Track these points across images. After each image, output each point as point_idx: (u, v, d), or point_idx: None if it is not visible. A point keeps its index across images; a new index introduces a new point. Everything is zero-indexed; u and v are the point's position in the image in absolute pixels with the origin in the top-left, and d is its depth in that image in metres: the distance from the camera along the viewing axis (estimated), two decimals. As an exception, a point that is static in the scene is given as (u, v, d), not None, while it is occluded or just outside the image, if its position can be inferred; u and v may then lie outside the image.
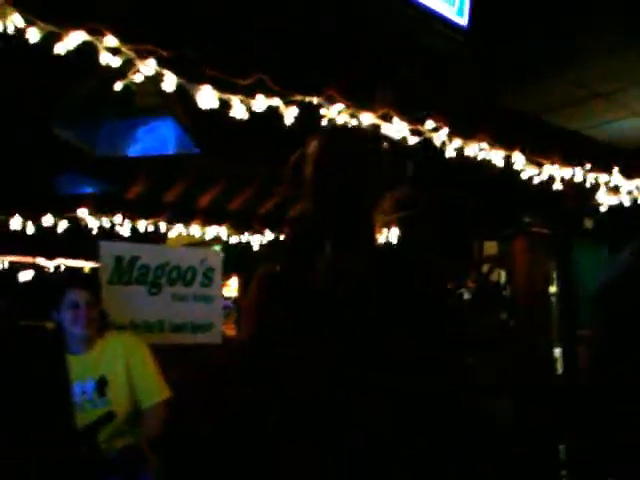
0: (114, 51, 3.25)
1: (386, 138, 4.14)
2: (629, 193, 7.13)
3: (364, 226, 3.12)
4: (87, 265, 10.01)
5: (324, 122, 3.92)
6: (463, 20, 4.45)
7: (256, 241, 9.02)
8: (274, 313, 2.55)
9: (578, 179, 6.52)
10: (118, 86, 3.35)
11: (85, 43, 3.20)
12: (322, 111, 3.91)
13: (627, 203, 7.37)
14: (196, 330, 4.74)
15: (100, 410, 3.31)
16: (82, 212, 7.24)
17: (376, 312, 2.54)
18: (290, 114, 3.79)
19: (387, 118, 4.19)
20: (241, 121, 3.80)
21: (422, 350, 2.53)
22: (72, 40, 3.16)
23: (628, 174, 7.12)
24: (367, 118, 4.09)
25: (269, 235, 8.90)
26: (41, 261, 10.50)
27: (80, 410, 3.34)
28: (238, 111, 3.65)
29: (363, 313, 2.48)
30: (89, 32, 3.18)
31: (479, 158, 4.94)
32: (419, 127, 4.37)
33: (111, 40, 3.23)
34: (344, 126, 3.89)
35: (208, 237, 8.28)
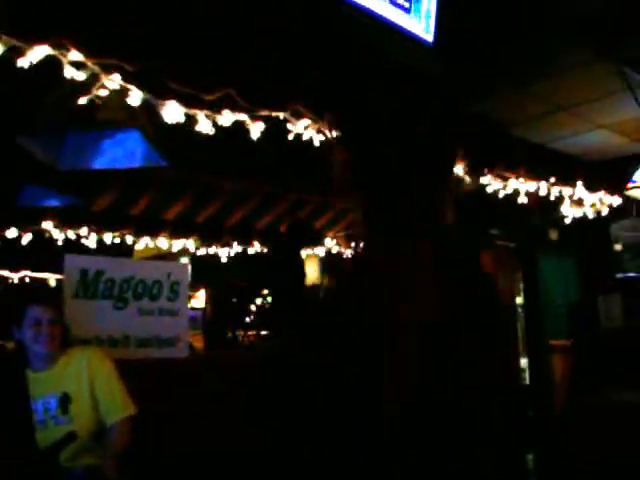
0: (78, 65, 3.23)
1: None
2: (592, 205, 7.25)
3: None
4: (52, 277, 9.91)
5: (290, 137, 3.93)
6: (429, 36, 4.49)
7: (224, 253, 9.01)
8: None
9: (543, 192, 6.61)
10: (83, 100, 3.33)
11: (49, 57, 3.18)
12: (289, 126, 3.92)
13: (591, 215, 7.49)
14: (162, 344, 4.70)
15: (64, 427, 3.26)
16: (47, 225, 7.17)
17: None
18: (256, 129, 3.79)
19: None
20: (208, 134, 3.79)
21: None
22: (36, 54, 3.14)
23: (591, 187, 7.23)
24: (334, 134, 4.10)
25: (237, 247, 8.89)
26: (5, 273, 10.36)
27: (43, 427, 3.29)
28: (204, 126, 3.65)
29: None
30: (53, 46, 3.16)
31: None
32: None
33: (75, 54, 3.21)
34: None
35: (175, 249, 8.24)
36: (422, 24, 4.34)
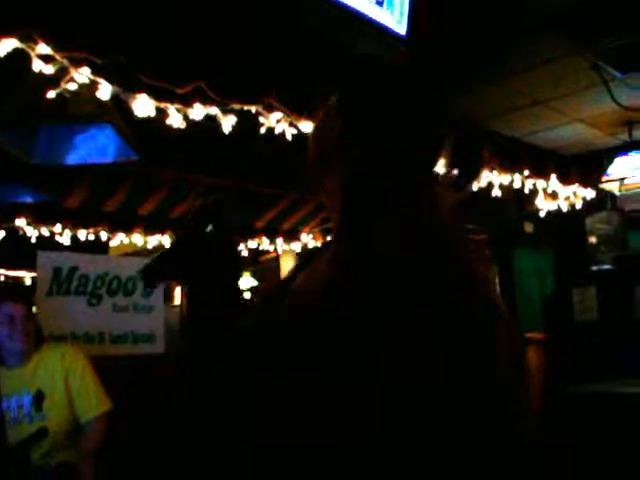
0: (47, 58, 3.19)
1: None
2: (566, 199, 7.30)
3: None
4: (27, 275, 9.82)
5: (262, 130, 3.92)
6: (402, 29, 4.48)
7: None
8: None
9: (517, 185, 6.64)
10: (52, 94, 3.30)
11: (17, 50, 3.14)
12: (261, 119, 3.91)
13: (565, 208, 7.54)
14: (137, 341, 4.68)
15: (37, 424, 3.23)
16: (20, 222, 7.10)
17: None
18: (228, 122, 3.78)
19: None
20: (180, 129, 3.77)
21: None
22: (3, 47, 3.10)
23: (565, 180, 7.27)
24: (306, 126, 4.10)
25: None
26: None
27: (17, 425, 3.26)
28: (175, 119, 3.63)
29: None
30: (21, 39, 3.12)
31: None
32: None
33: (44, 48, 3.18)
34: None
35: (151, 245, 8.19)
36: (395, 16, 4.33)
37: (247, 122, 3.84)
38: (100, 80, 3.34)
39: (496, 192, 6.40)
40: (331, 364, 1.03)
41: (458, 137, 5.07)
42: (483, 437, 1.07)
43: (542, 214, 7.62)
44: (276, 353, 1.11)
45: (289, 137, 4.12)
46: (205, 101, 3.67)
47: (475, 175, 5.96)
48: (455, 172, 5.64)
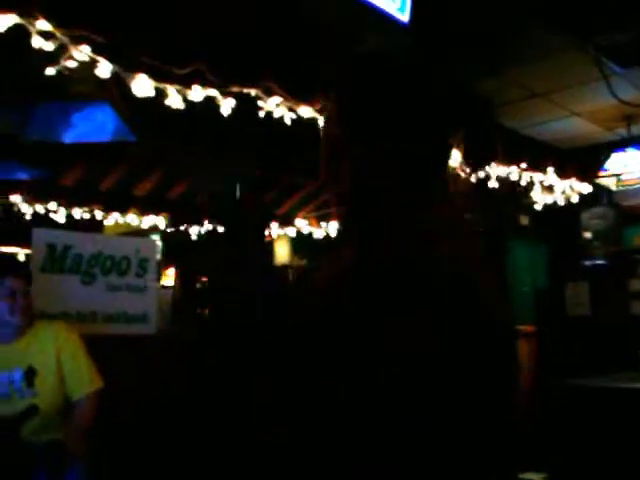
0: (47, 35, 3.17)
1: None
2: (563, 192, 7.30)
3: None
4: (21, 252, 9.80)
5: (262, 114, 3.90)
6: (404, 17, 4.46)
7: (194, 231, 8.96)
8: None
9: (514, 177, 6.64)
10: (50, 71, 3.27)
11: (17, 26, 3.12)
12: (260, 103, 3.89)
13: (561, 202, 7.54)
14: (130, 321, 4.67)
15: (28, 400, 3.24)
16: (15, 198, 7.09)
17: None
18: (227, 105, 3.76)
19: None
20: (179, 109, 3.75)
21: None
22: (4, 22, 3.08)
23: (562, 174, 7.27)
24: (305, 111, 4.08)
25: (208, 225, 8.85)
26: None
27: (8, 400, 3.26)
28: (174, 100, 3.61)
29: None
30: (21, 15, 3.10)
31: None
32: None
33: (44, 24, 3.15)
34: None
35: (145, 226, 8.18)
36: (397, 3, 4.31)
37: (246, 105, 3.83)
38: (99, 59, 3.31)
39: (493, 184, 6.40)
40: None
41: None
42: None
43: (538, 207, 7.62)
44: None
45: (288, 121, 4.11)
46: (204, 83, 3.65)
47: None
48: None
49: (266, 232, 9.43)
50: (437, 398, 1.34)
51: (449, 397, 1.35)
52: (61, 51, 3.21)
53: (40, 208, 7.38)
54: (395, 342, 1.30)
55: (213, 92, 3.71)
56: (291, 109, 4.04)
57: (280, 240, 10.08)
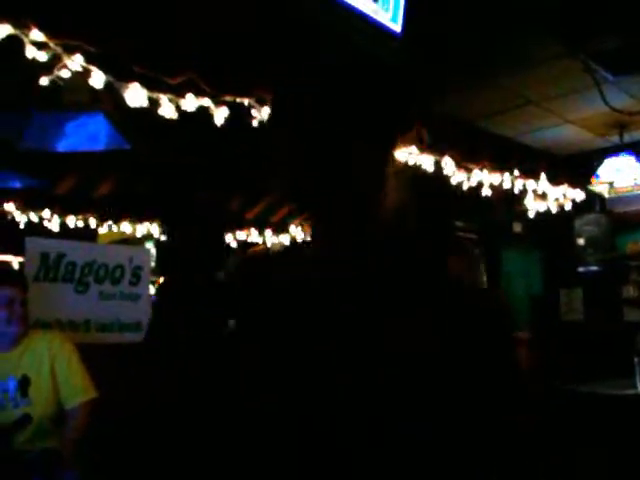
0: (40, 45, 3.18)
1: None
2: (556, 200, 7.32)
3: None
4: (14, 260, 9.79)
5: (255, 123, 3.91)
6: (397, 27, 4.47)
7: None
8: None
9: (507, 185, 6.66)
10: (44, 81, 3.29)
11: (10, 36, 3.13)
12: (253, 112, 3.91)
13: (554, 209, 7.57)
14: (123, 329, 4.68)
15: (22, 409, 3.24)
16: (9, 207, 7.09)
17: None
18: (220, 114, 3.77)
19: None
20: (172, 118, 3.77)
21: None
22: (-3, 32, 3.09)
23: (555, 181, 7.30)
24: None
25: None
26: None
27: (2, 409, 3.26)
28: (167, 110, 3.62)
29: None
30: (14, 25, 3.11)
31: (409, 163, 5.00)
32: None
33: (37, 34, 3.17)
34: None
35: (139, 234, 8.18)
36: (390, 13, 4.32)
37: (239, 114, 3.84)
38: (93, 68, 3.33)
39: (486, 191, 6.42)
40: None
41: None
42: None
43: (531, 214, 7.64)
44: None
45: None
46: (198, 92, 3.66)
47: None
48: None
49: (261, 240, 9.46)
50: (437, 398, 1.37)
51: (449, 397, 1.38)
52: (55, 61, 3.22)
53: (34, 216, 7.38)
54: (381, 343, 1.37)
55: (206, 101, 3.73)
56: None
57: (274, 248, 10.07)
